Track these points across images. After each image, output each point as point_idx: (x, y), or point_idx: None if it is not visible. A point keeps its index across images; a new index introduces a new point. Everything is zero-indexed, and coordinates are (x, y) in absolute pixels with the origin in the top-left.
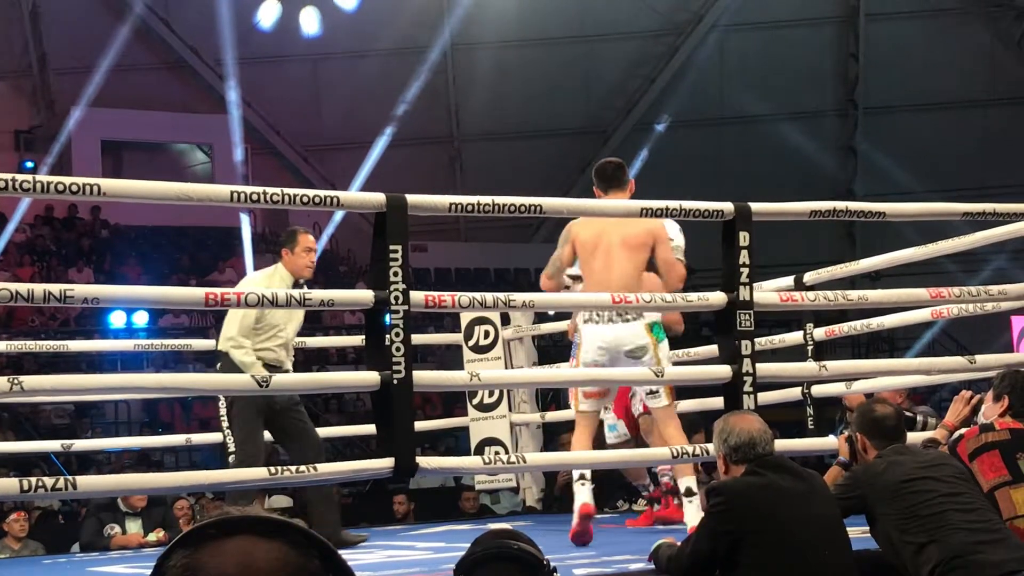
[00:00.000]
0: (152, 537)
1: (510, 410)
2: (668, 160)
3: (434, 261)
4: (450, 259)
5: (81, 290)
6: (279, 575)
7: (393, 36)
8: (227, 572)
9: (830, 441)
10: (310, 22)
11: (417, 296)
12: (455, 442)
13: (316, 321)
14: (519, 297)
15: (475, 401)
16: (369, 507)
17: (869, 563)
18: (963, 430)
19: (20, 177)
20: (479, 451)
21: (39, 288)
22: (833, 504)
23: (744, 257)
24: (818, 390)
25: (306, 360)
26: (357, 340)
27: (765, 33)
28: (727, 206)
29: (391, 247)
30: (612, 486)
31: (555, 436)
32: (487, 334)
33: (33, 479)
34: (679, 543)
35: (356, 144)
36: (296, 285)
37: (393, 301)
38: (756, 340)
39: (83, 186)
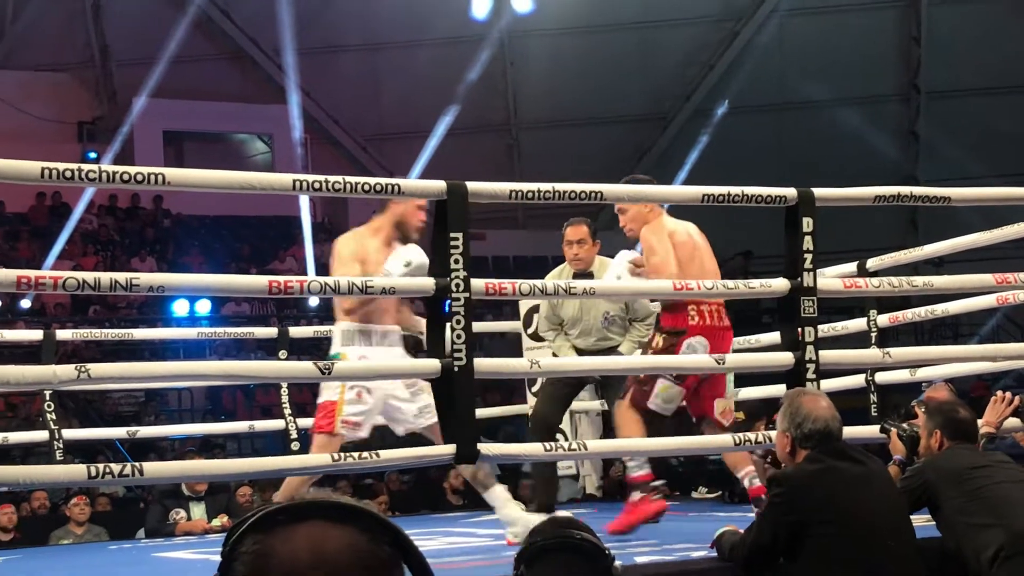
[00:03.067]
0: (217, 523)
1: None
2: (728, 146)
3: (493, 249)
4: (508, 247)
5: (147, 278)
6: (350, 561)
7: (450, 24)
8: (298, 558)
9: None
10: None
11: (478, 284)
12: (514, 430)
13: None
14: (579, 284)
15: (534, 389)
16: (425, 494)
17: (932, 550)
18: None
19: (86, 167)
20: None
21: (105, 277)
22: (894, 487)
23: (808, 243)
24: (882, 377)
25: None
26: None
27: (826, 18)
28: (790, 192)
29: (452, 235)
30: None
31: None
32: None
33: (100, 465)
34: (742, 531)
35: (414, 132)
36: (579, 276)
37: (454, 288)
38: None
39: (148, 175)
